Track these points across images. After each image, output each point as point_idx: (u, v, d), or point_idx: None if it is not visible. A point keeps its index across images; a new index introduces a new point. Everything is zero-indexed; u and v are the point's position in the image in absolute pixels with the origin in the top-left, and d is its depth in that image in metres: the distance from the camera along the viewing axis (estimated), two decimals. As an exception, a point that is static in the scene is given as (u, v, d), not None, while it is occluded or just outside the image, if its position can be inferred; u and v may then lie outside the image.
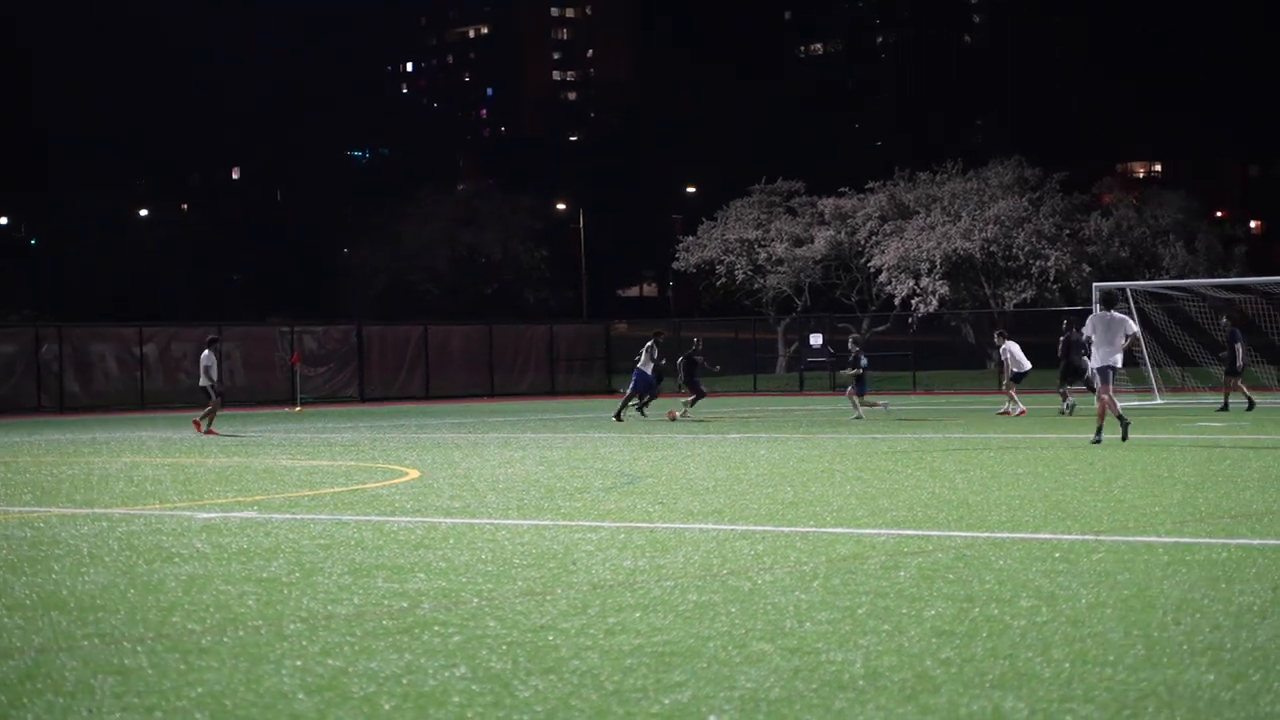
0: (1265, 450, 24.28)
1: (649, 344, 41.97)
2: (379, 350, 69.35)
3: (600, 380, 74.77)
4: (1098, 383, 27.03)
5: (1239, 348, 40.39)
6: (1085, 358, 38.94)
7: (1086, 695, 7.59)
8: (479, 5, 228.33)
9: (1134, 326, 27.11)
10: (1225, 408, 39.99)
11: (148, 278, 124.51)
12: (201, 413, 38.39)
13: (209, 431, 37.37)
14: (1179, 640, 8.78)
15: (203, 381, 38.34)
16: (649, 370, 41.59)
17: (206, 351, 38.56)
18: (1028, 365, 40.92)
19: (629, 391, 42.36)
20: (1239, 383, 40.52)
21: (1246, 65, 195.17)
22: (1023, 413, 39.19)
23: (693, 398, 42.23)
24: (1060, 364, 39.85)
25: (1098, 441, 26.38)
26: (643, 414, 41.63)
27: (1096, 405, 27.13)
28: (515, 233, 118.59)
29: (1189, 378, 51.47)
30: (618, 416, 41.45)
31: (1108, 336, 26.69)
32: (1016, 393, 40.46)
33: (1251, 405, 39.82)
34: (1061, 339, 40.04)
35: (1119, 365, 26.89)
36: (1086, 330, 27.48)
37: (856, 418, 38.75)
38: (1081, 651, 8.55)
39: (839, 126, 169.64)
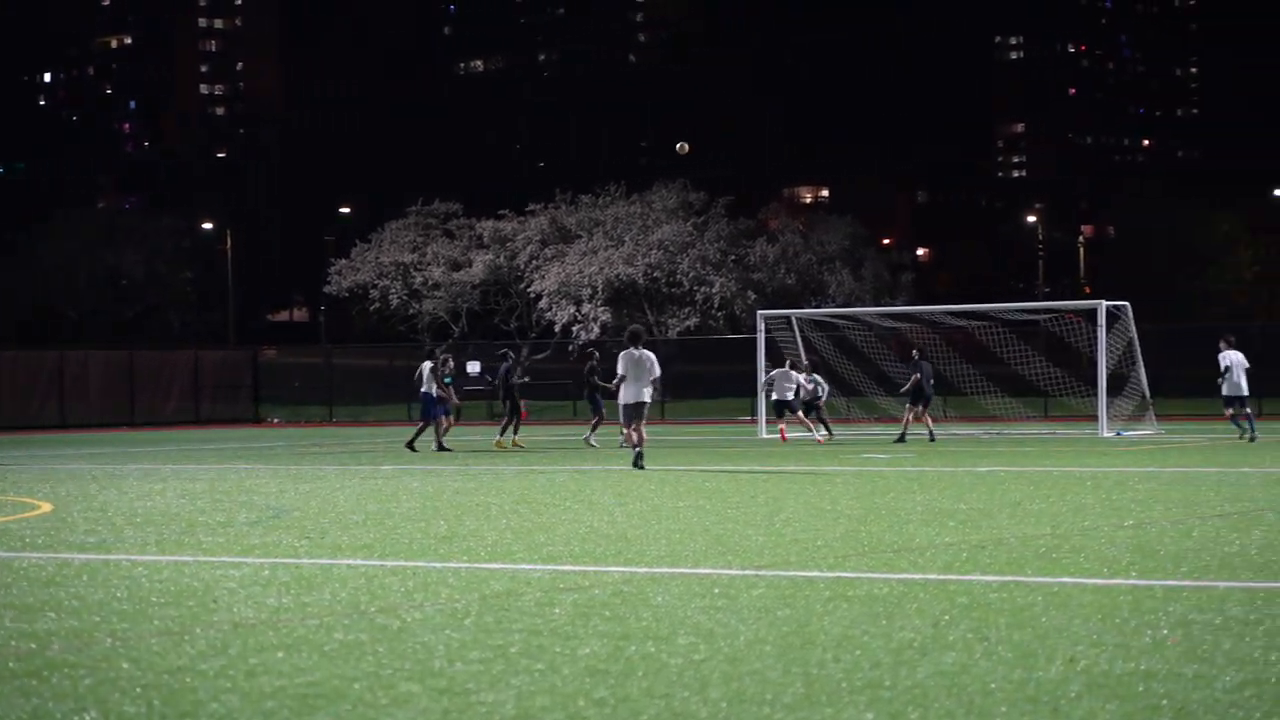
0: (929, 482, 24.58)
1: (432, 365, 38.33)
2: (10, 377, 67.05)
3: (247, 409, 73.67)
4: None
5: (924, 378, 40.45)
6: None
7: (744, 735, 7.45)
8: (123, 14, 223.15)
9: (658, 370, 29.26)
10: (902, 439, 39.89)
11: None
12: None
13: None
14: (838, 678, 8.71)
15: None
16: (433, 391, 37.96)
17: None
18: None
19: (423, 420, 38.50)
20: (925, 414, 40.66)
21: (915, 95, 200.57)
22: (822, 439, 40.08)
23: (594, 420, 39.92)
24: (586, 393, 40.06)
25: (639, 467, 28.39)
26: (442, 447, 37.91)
27: (626, 434, 29.43)
28: (160, 254, 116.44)
29: (854, 408, 52.23)
30: (408, 446, 37.86)
31: (636, 374, 28.83)
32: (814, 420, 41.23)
33: (933, 438, 40.25)
34: (588, 366, 40.15)
35: (647, 400, 28.99)
36: (620, 369, 29.09)
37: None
38: (739, 690, 8.43)
39: (499, 147, 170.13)
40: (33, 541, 16.94)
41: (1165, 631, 10.01)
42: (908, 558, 14.29)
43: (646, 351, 29.06)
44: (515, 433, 39.36)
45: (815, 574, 13.20)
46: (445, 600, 11.93)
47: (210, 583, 13.10)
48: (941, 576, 12.93)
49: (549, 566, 13.99)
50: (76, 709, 8.14)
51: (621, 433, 39.33)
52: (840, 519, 18.19)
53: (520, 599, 11.93)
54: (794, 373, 41.48)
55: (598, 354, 41.40)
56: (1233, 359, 38.49)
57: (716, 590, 12.18)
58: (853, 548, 15.16)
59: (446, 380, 38.43)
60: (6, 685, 8.75)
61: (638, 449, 28.75)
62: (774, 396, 41.47)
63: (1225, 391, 38.62)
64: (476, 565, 14.18)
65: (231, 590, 12.61)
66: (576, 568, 13.89)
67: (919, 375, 40.30)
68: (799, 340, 47.18)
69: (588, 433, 39.60)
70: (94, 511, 20.88)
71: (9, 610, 11.62)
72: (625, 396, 28.89)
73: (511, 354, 42.66)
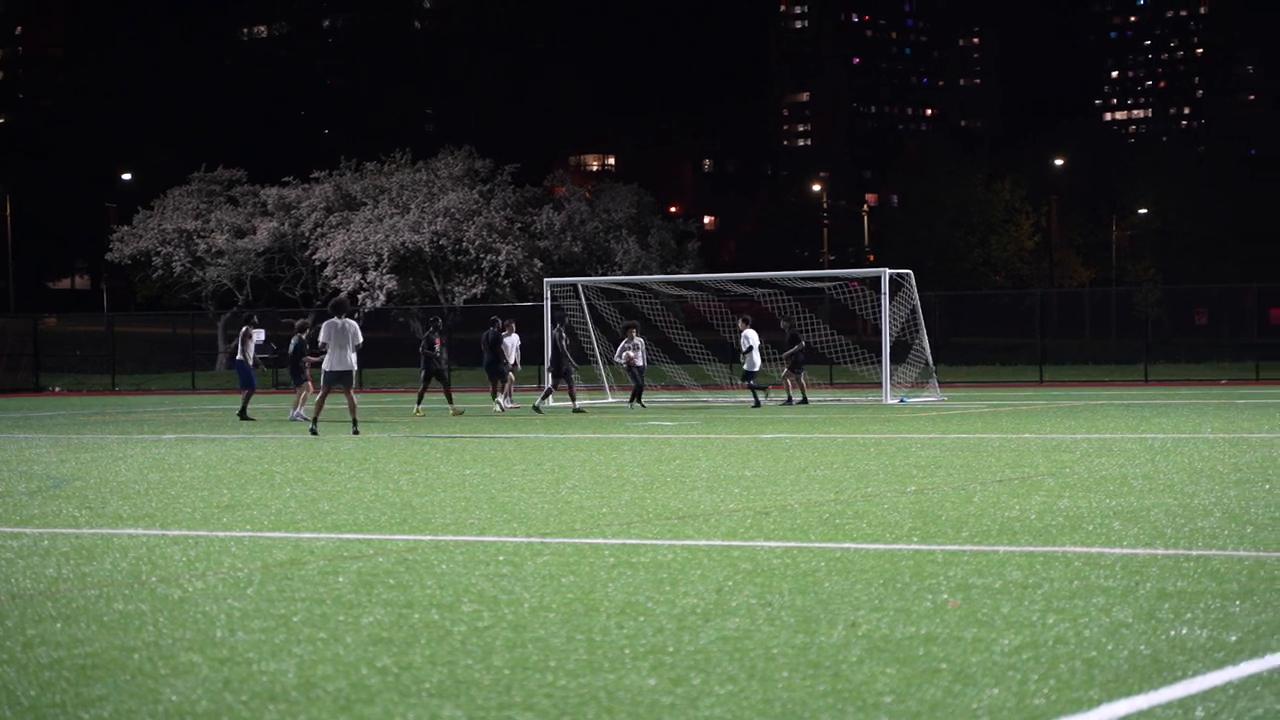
0: (714, 449, 24.72)
1: (244, 329, 37.45)
2: None
3: (28, 378, 72.39)
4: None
5: (798, 347, 42.59)
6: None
7: (526, 702, 7.54)
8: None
9: (360, 338, 30.49)
10: (804, 400, 42.35)
11: None
12: None
13: None
14: (621, 644, 8.77)
15: None
16: (248, 361, 37.03)
17: None
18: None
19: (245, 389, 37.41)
20: (801, 379, 42.84)
21: (699, 64, 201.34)
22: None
23: (562, 388, 40.26)
24: (290, 363, 39.61)
25: (314, 433, 29.95)
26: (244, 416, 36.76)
27: (306, 393, 31.88)
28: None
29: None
30: (243, 415, 36.62)
31: (340, 342, 30.02)
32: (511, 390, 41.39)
33: (790, 401, 42.31)
34: (295, 340, 39.90)
35: (354, 368, 30.48)
36: (322, 337, 30.38)
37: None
38: (523, 657, 8.47)
39: (283, 113, 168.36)
40: None
41: (945, 596, 10.16)
42: (692, 524, 14.37)
43: (350, 320, 30.35)
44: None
45: (600, 541, 13.25)
46: (228, 569, 11.83)
47: (-13, 554, 12.89)
48: (725, 543, 13.02)
49: (333, 535, 13.91)
50: None
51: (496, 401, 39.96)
52: (626, 486, 18.25)
53: (303, 568, 11.87)
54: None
55: (566, 322, 41.89)
56: (753, 340, 41.53)
57: (501, 558, 12.19)
58: (638, 514, 15.22)
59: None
60: None
61: (354, 418, 30.33)
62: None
63: (746, 367, 41.80)
64: (260, 534, 14.07)
65: (9, 561, 12.42)
66: (361, 536, 13.82)
67: (799, 345, 42.53)
68: (585, 308, 47.16)
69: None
70: None
71: None
72: (329, 364, 30.11)
73: (438, 320, 43.11)
